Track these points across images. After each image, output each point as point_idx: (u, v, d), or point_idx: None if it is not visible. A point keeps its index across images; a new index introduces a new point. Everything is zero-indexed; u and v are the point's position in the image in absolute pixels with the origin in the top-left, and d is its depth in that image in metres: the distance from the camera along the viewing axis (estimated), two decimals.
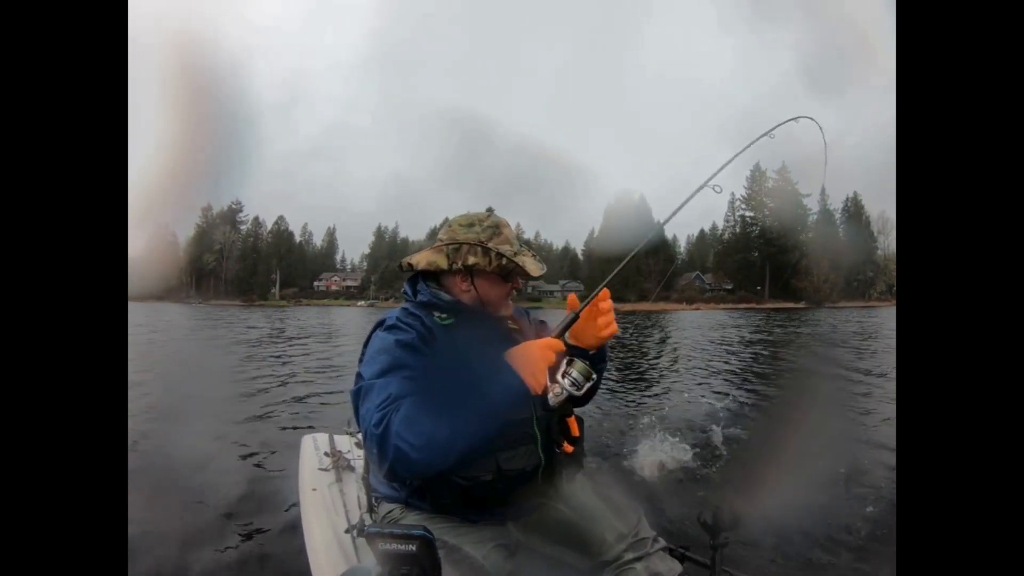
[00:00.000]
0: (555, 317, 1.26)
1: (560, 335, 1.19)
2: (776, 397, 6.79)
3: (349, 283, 75.58)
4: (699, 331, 19.76)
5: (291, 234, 79.76)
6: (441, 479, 1.22)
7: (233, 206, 76.35)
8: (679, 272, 68.14)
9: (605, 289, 1.22)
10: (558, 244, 79.06)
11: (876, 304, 51.11)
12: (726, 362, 10.73)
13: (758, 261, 65.83)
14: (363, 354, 1.27)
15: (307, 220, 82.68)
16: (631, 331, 19.08)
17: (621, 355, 11.71)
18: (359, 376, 1.19)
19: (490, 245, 1.33)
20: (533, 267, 1.35)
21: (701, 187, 1.35)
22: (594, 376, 1.17)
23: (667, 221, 1.39)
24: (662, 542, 1.35)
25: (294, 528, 2.41)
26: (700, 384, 7.80)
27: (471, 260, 1.33)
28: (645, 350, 13.55)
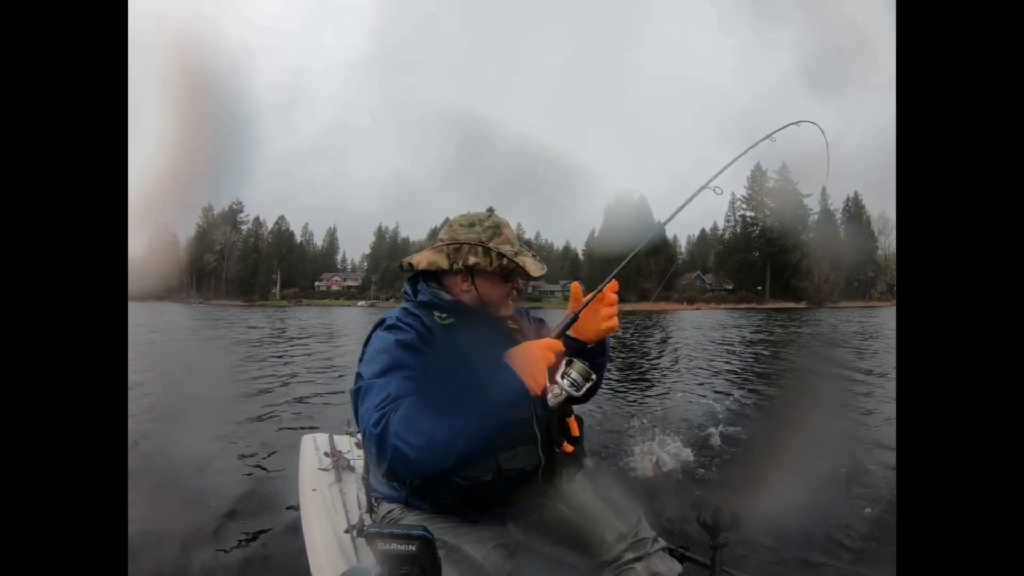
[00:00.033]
0: (555, 317, 1.27)
1: (559, 335, 1.19)
2: (777, 397, 6.78)
3: (350, 283, 75.61)
4: (700, 331, 19.76)
5: (292, 234, 79.86)
6: (441, 479, 1.22)
7: (234, 206, 76.50)
8: (680, 272, 68.12)
9: (613, 281, 1.22)
10: (559, 244, 79.17)
11: (877, 304, 51.07)
12: (727, 362, 10.72)
13: (759, 261, 65.79)
14: (363, 354, 1.27)
15: (308, 220, 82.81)
16: (631, 331, 19.08)
17: (622, 355, 11.71)
18: (359, 376, 1.19)
19: (491, 245, 1.34)
20: (533, 267, 1.35)
21: (701, 188, 1.35)
22: (593, 376, 1.17)
23: (667, 221, 1.39)
24: (662, 542, 1.35)
25: (294, 528, 2.41)
26: (701, 384, 7.79)
27: (472, 260, 1.33)
28: (646, 350, 13.55)
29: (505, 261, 1.33)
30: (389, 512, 1.35)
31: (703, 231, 77.21)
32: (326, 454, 2.16)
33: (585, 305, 1.22)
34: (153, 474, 3.35)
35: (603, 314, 1.23)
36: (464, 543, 1.25)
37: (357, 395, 1.16)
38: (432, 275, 1.40)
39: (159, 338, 14.80)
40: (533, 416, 1.29)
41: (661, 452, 3.93)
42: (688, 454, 3.97)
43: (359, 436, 1.51)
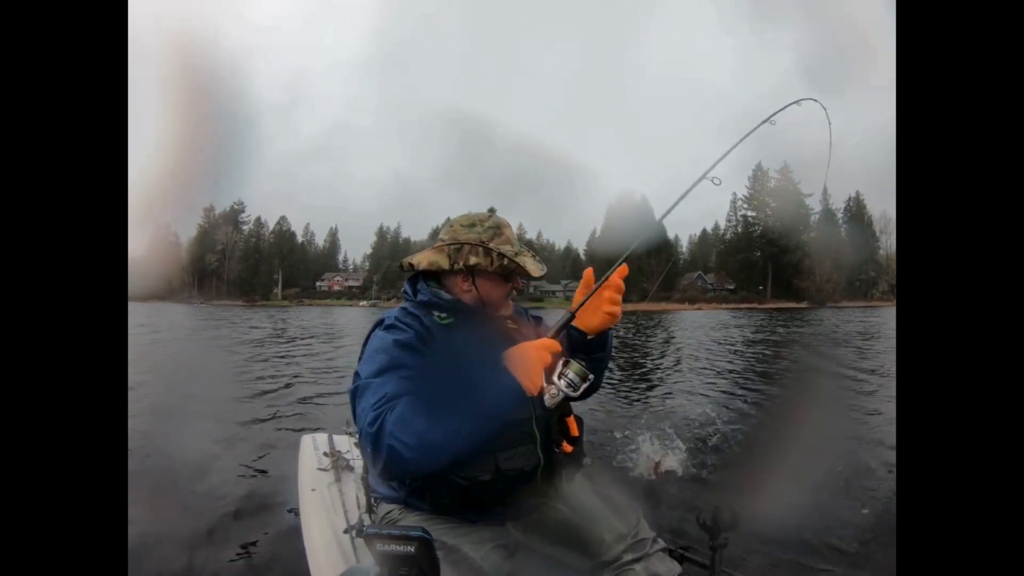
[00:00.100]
0: (555, 316, 1.26)
1: (556, 335, 1.19)
2: (778, 397, 6.78)
3: (351, 283, 75.63)
4: (701, 331, 19.75)
5: (293, 234, 79.91)
6: (440, 479, 1.23)
7: (235, 206, 76.58)
8: (681, 272, 68.11)
9: (624, 266, 1.21)
10: (560, 244, 79.18)
11: (878, 304, 51.02)
12: (729, 362, 10.72)
13: (760, 261, 65.73)
14: (362, 353, 1.27)
15: (309, 220, 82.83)
16: (633, 331, 19.07)
17: (624, 355, 11.71)
18: (357, 375, 1.20)
19: (491, 245, 1.34)
20: (534, 267, 1.36)
21: (701, 178, 1.33)
22: (591, 377, 1.16)
23: (666, 214, 1.37)
24: (661, 543, 1.35)
25: (293, 528, 2.41)
26: (701, 384, 7.78)
27: (472, 260, 1.33)
28: (647, 350, 13.54)
29: (506, 261, 1.33)
30: (388, 512, 1.35)
31: (704, 231, 77.27)
32: (325, 454, 2.16)
33: (582, 304, 1.22)
34: (153, 475, 3.36)
35: (605, 296, 1.22)
36: (463, 543, 1.25)
37: (355, 394, 1.16)
38: (432, 275, 1.40)
39: (161, 338, 14.81)
40: (532, 416, 1.29)
41: (661, 452, 3.93)
42: (688, 454, 3.96)
43: (358, 436, 1.51)
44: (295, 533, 1.94)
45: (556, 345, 1.15)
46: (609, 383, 7.39)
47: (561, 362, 1.16)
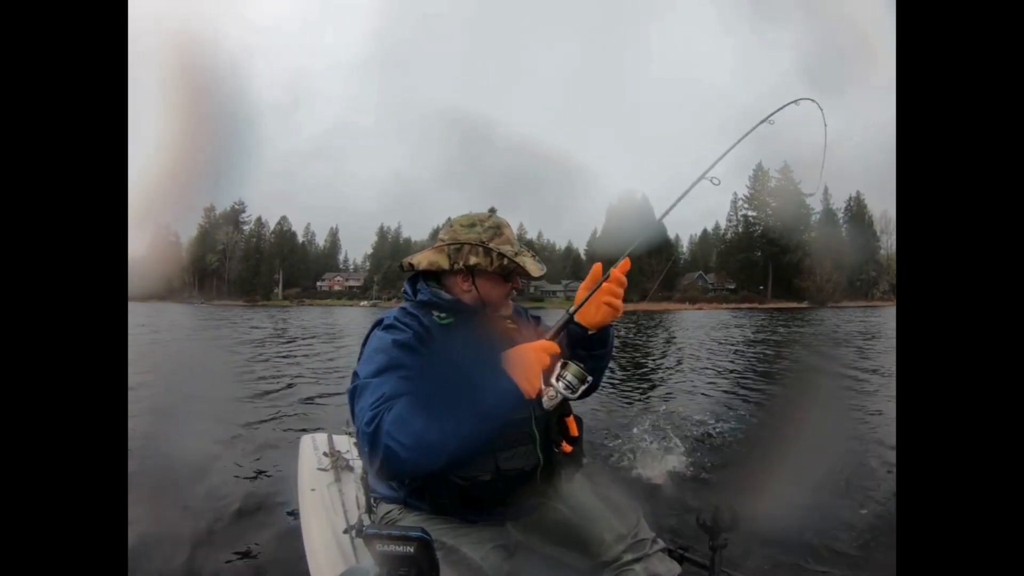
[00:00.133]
0: (556, 316, 1.26)
1: (554, 336, 1.19)
2: (778, 397, 6.77)
3: (352, 283, 75.66)
4: (702, 330, 19.75)
5: (294, 234, 79.99)
6: (440, 479, 1.23)
7: (236, 206, 76.64)
8: (682, 272, 68.09)
9: (627, 260, 1.21)
10: (561, 244, 79.20)
11: (879, 304, 50.98)
12: (731, 361, 10.72)
13: (761, 261, 65.69)
14: (361, 353, 1.27)
15: (310, 220, 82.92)
16: (634, 331, 19.06)
17: (625, 354, 11.71)
18: (355, 375, 1.20)
19: (491, 245, 1.34)
20: (533, 267, 1.36)
21: (700, 178, 1.33)
22: (589, 378, 1.16)
23: (666, 214, 1.37)
24: (661, 543, 1.35)
25: (293, 528, 2.41)
26: (702, 384, 7.78)
27: (472, 260, 1.33)
28: (648, 349, 13.54)
29: (505, 261, 1.33)
30: (388, 512, 1.35)
31: (705, 231, 77.32)
32: (325, 454, 2.16)
33: (582, 305, 1.22)
34: (154, 475, 3.36)
35: (604, 288, 1.21)
36: (462, 544, 1.25)
37: (353, 394, 1.16)
38: (432, 275, 1.40)
39: (162, 338, 14.81)
40: (532, 416, 1.29)
41: (661, 452, 3.93)
42: (688, 454, 3.96)
43: (356, 435, 1.51)
44: (295, 533, 1.94)
45: (554, 347, 1.15)
46: (610, 383, 7.39)
47: (559, 364, 1.16)
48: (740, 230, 69.73)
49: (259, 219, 78.45)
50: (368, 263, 78.06)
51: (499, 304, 1.39)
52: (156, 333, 15.85)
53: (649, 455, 3.87)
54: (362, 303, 63.44)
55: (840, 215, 65.77)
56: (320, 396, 6.44)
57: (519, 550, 1.34)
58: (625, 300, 1.24)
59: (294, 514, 2.00)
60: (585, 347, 1.29)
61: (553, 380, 1.14)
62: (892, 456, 3.85)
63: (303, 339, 15.60)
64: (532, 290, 59.51)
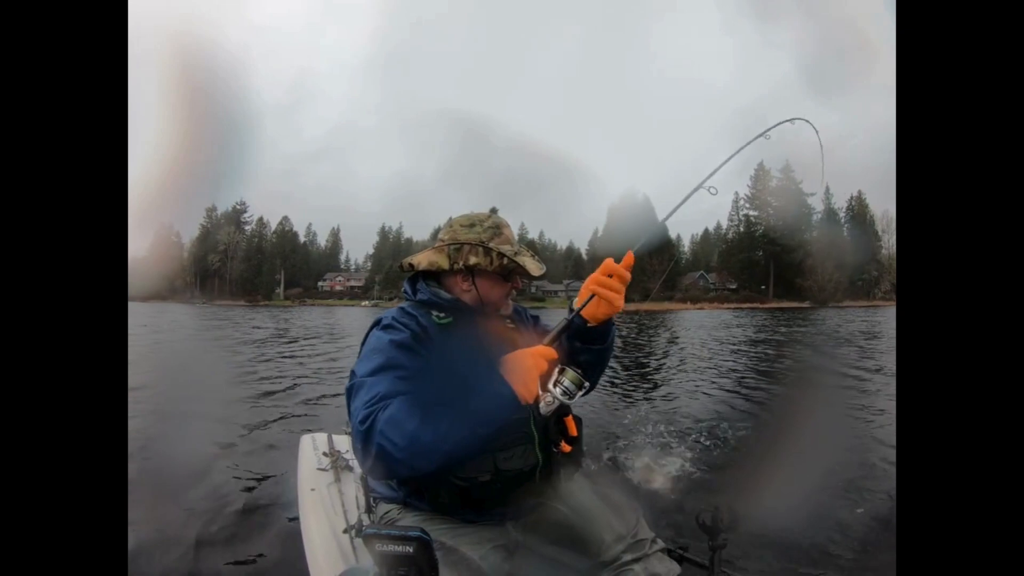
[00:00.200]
0: (558, 316, 1.26)
1: (552, 342, 1.19)
2: (779, 397, 6.75)
3: (353, 283, 75.76)
4: (703, 330, 19.73)
5: (295, 234, 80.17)
6: (438, 479, 1.23)
7: (237, 207, 76.87)
8: (683, 272, 68.02)
9: (630, 254, 1.21)
10: (562, 244, 79.26)
11: (880, 304, 50.91)
12: (734, 360, 10.70)
13: (762, 260, 65.64)
14: (360, 351, 1.27)
15: (311, 220, 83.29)
16: (636, 330, 19.05)
17: (626, 354, 11.69)
18: (353, 373, 1.20)
19: (491, 245, 1.34)
20: (533, 267, 1.36)
21: (696, 188, 1.35)
22: (586, 385, 1.16)
23: (663, 221, 1.38)
24: (660, 543, 1.35)
25: (292, 529, 2.41)
26: (703, 383, 7.77)
27: (472, 260, 1.33)
28: (650, 349, 13.53)
29: (505, 261, 1.33)
30: (387, 512, 1.35)
31: (706, 230, 77.40)
32: (325, 454, 2.16)
33: (583, 306, 1.22)
34: (155, 476, 3.36)
35: (592, 277, 1.20)
36: (462, 544, 1.25)
37: (350, 392, 1.17)
38: (432, 275, 1.40)
39: (163, 339, 14.82)
40: (530, 416, 1.28)
41: (661, 452, 3.92)
42: (689, 454, 3.96)
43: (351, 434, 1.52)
44: (294, 533, 1.94)
45: (552, 353, 1.15)
46: (612, 382, 7.39)
47: (557, 369, 1.16)
48: (741, 230, 69.68)
49: (261, 219, 78.79)
50: (369, 263, 78.23)
51: (499, 304, 1.39)
52: (158, 333, 15.86)
53: (649, 455, 3.87)
54: (364, 303, 63.42)
55: (841, 215, 65.76)
56: (322, 397, 6.44)
57: (518, 550, 1.34)
58: (627, 299, 1.24)
59: (295, 520, 2.00)
60: (583, 340, 1.28)
61: (550, 386, 1.14)
62: (892, 455, 3.84)
63: (305, 339, 15.60)
64: (533, 290, 59.51)
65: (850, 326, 21.01)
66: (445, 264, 1.35)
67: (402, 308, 1.35)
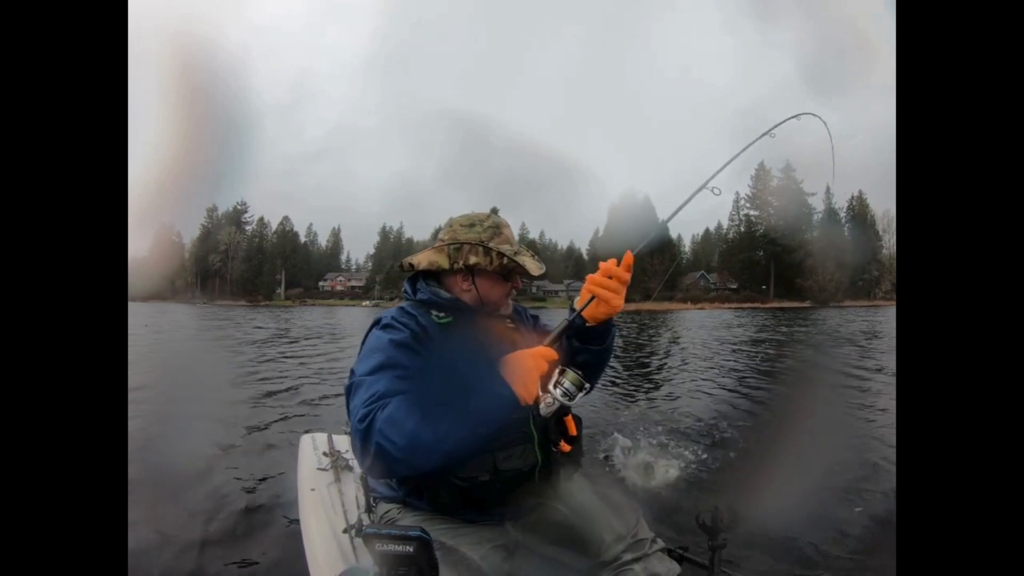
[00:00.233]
0: (558, 316, 1.26)
1: (553, 343, 1.19)
2: (779, 397, 6.75)
3: (354, 283, 75.80)
4: (704, 330, 19.71)
5: (296, 234, 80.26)
6: (438, 479, 1.23)
7: (238, 207, 76.97)
8: (684, 272, 68.03)
9: (629, 254, 1.20)
10: (563, 244, 79.27)
11: (881, 304, 50.86)
12: (735, 360, 10.69)
13: (763, 260, 65.59)
14: (360, 351, 1.27)
15: (312, 220, 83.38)
16: (636, 330, 19.05)
17: (627, 354, 11.69)
18: (352, 373, 1.20)
19: (491, 245, 1.34)
20: (533, 266, 1.36)
21: (699, 189, 1.35)
22: (587, 386, 1.16)
23: (667, 221, 1.38)
24: (660, 543, 1.35)
25: (292, 529, 2.41)
26: (704, 383, 7.76)
27: (472, 259, 1.34)
28: (651, 348, 13.52)
29: (505, 260, 1.33)
30: (387, 512, 1.35)
31: (707, 230, 77.39)
32: (325, 454, 2.16)
33: (584, 307, 1.22)
34: (155, 476, 3.36)
35: (590, 278, 1.20)
36: (462, 544, 1.25)
37: (349, 391, 1.17)
38: (432, 275, 1.40)
39: (164, 339, 14.82)
40: (529, 416, 1.28)
41: (662, 452, 3.92)
42: (689, 454, 3.95)
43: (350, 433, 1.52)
44: (294, 533, 1.94)
45: (553, 354, 1.15)
46: (613, 382, 7.38)
47: (557, 371, 1.15)
48: (742, 230, 69.63)
49: (261, 219, 78.88)
50: (370, 263, 78.27)
51: (499, 303, 1.39)
52: (159, 333, 15.87)
53: (649, 454, 3.86)
54: (364, 303, 63.40)
55: (842, 215, 65.71)
56: (323, 397, 6.44)
57: (518, 550, 1.34)
58: (628, 300, 1.24)
59: (295, 521, 2.00)
60: (582, 340, 1.29)
61: (551, 387, 1.14)
62: (893, 455, 3.83)
63: (306, 339, 15.60)
64: (534, 290, 59.57)
65: (851, 326, 20.97)
66: (445, 264, 1.35)
67: (402, 308, 1.35)
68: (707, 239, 77.24)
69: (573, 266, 71.05)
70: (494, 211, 1.44)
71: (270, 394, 6.55)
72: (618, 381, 7.62)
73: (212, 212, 75.22)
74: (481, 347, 1.25)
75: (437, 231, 1.50)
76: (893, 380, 7.21)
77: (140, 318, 20.46)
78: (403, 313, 1.32)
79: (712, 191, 1.34)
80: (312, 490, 1.95)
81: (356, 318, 29.26)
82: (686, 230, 75.50)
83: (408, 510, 1.32)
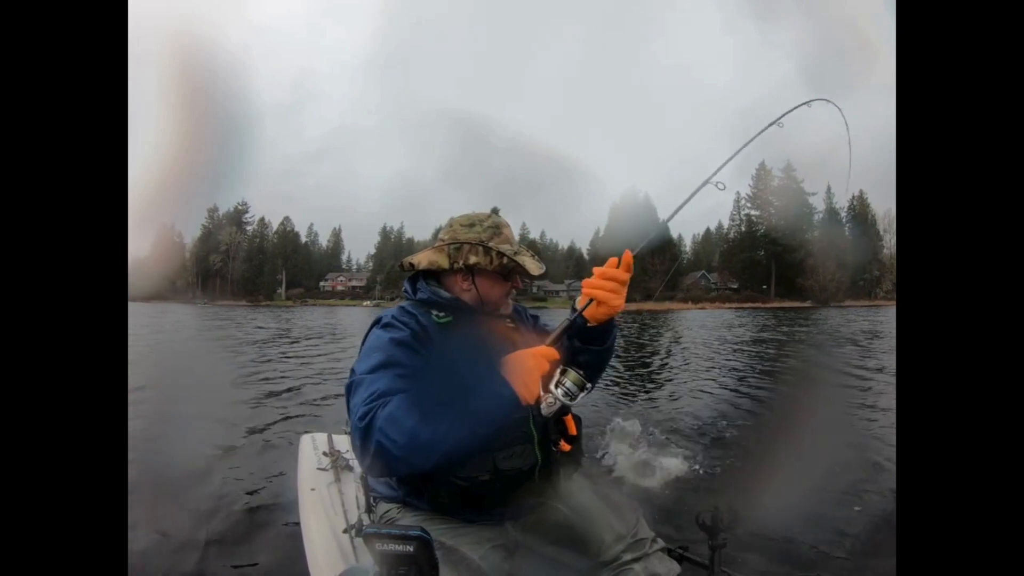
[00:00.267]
0: (559, 316, 1.26)
1: (554, 342, 1.19)
2: (780, 396, 6.74)
3: (355, 283, 75.88)
4: (705, 330, 19.70)
5: (297, 234, 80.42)
6: (438, 478, 1.23)
7: (239, 207, 77.12)
8: (685, 271, 68.02)
9: (628, 253, 1.20)
10: (563, 244, 79.31)
11: (882, 303, 50.82)
12: (736, 360, 10.69)
13: (764, 260, 65.58)
14: (361, 350, 1.27)
15: (313, 221, 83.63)
16: (637, 330, 19.04)
17: (627, 353, 11.69)
18: (352, 371, 1.20)
19: (491, 245, 1.34)
20: (532, 266, 1.36)
21: (704, 183, 1.34)
22: (588, 386, 1.16)
23: (670, 218, 1.38)
24: (660, 543, 1.35)
25: (292, 528, 2.41)
26: (704, 383, 7.75)
27: (472, 259, 1.34)
28: (653, 348, 13.52)
29: (505, 260, 1.33)
30: (387, 512, 1.35)
31: (708, 230, 77.42)
32: (325, 454, 2.16)
33: (584, 308, 1.22)
34: (155, 477, 3.36)
35: (587, 281, 1.21)
36: (462, 543, 1.25)
37: (349, 390, 1.17)
38: (432, 274, 1.40)
39: (164, 339, 14.82)
40: (529, 415, 1.28)
41: (662, 451, 3.92)
42: (689, 454, 3.95)
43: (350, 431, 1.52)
44: (294, 533, 1.94)
45: (554, 353, 1.15)
46: (613, 381, 7.38)
47: (559, 371, 1.15)
48: (743, 229, 69.63)
49: (262, 219, 79.05)
50: (371, 263, 78.33)
51: (499, 303, 1.39)
52: (159, 334, 15.87)
53: (649, 454, 3.86)
54: (365, 303, 63.45)
55: (843, 214, 65.65)
56: (324, 397, 6.44)
57: (518, 550, 1.34)
58: (629, 299, 1.24)
59: (295, 523, 2.00)
60: (582, 340, 1.29)
61: (552, 387, 1.14)
62: (894, 454, 3.82)
63: (307, 339, 15.61)
64: (535, 290, 59.59)
65: (852, 325, 20.96)
66: (445, 263, 1.35)
67: (402, 307, 1.35)
68: (708, 239, 77.33)
69: (574, 266, 71.11)
70: (494, 211, 1.44)
71: (271, 394, 6.55)
72: (620, 381, 7.62)
73: (213, 212, 75.49)
74: (481, 347, 1.25)
75: (437, 231, 1.50)
76: (894, 380, 7.19)
77: (141, 318, 20.47)
78: (403, 312, 1.32)
79: (716, 186, 1.34)
80: (312, 490, 1.95)
81: (357, 318, 29.27)
82: (687, 230, 75.71)
83: (408, 510, 1.32)
